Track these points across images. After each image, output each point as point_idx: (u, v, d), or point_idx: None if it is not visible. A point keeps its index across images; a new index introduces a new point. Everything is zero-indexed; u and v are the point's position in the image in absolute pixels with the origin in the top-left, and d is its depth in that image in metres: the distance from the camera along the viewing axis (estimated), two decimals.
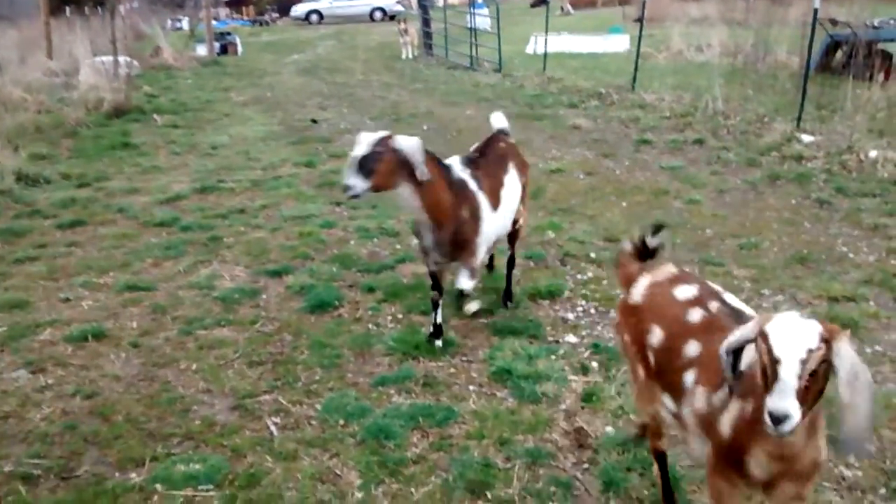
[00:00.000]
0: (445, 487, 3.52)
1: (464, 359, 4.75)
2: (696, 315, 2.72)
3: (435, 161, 4.45)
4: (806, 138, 9.88)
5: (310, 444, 3.85)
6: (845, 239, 6.70)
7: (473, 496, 3.47)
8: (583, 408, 4.17)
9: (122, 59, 14.70)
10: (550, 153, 9.97)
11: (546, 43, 17.76)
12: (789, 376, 2.04)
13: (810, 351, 2.04)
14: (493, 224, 4.72)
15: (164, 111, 13.20)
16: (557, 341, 4.93)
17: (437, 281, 4.79)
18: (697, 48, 18.58)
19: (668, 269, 3.02)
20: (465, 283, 4.67)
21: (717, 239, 6.73)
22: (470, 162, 4.79)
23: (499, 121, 5.51)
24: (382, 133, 4.27)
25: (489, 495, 3.46)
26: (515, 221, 5.21)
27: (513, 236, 5.34)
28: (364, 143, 4.20)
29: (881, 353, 4.72)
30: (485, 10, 24.11)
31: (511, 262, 5.54)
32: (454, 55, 20.62)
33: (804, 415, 2.07)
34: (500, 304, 5.43)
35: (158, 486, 3.53)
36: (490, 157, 4.97)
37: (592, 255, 6.35)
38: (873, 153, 8.90)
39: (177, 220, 7.39)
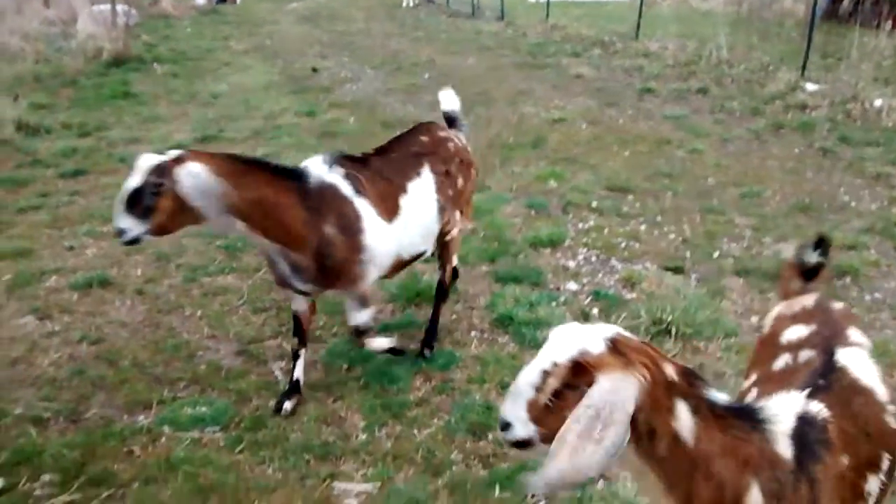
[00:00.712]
0: (447, 429, 3.59)
1: (466, 305, 4.79)
2: (780, 363, 2.21)
3: (273, 172, 3.40)
4: (810, 87, 9.82)
5: (314, 388, 3.91)
6: (848, 188, 6.70)
7: (475, 437, 3.54)
8: None
9: (120, 7, 14.48)
10: (553, 102, 9.90)
11: None
12: (522, 382, 1.77)
13: (554, 365, 1.72)
14: (387, 237, 3.59)
15: (163, 60, 13.07)
16: (558, 288, 4.97)
17: (299, 325, 3.78)
18: None
19: (804, 301, 2.42)
20: (358, 316, 3.65)
21: (720, 188, 6.73)
22: (346, 160, 3.62)
23: (448, 101, 4.36)
24: (170, 155, 3.22)
25: (490, 436, 3.53)
26: (446, 233, 4.09)
27: (443, 251, 4.19)
28: (140, 170, 3.16)
29: (881, 301, 4.77)
30: None
31: (440, 291, 4.34)
32: (456, 3, 20.36)
33: (545, 439, 1.75)
34: (503, 252, 5.44)
35: (166, 428, 3.60)
36: (393, 155, 3.83)
37: (594, 203, 6.35)
38: (878, 102, 8.85)
39: None
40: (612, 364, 1.67)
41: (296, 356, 3.80)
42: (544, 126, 8.79)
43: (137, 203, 3.19)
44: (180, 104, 10.24)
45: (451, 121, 4.34)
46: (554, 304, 4.70)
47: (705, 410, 1.74)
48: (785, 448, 1.78)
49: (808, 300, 2.42)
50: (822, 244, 2.54)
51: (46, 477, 3.30)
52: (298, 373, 3.80)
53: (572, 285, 5.01)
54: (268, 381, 3.99)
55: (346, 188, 3.48)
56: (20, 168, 7.47)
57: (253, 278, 5.15)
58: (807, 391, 1.93)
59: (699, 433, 1.73)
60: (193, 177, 3.14)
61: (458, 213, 4.12)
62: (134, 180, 3.17)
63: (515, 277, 5.05)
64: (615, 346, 1.71)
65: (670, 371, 1.73)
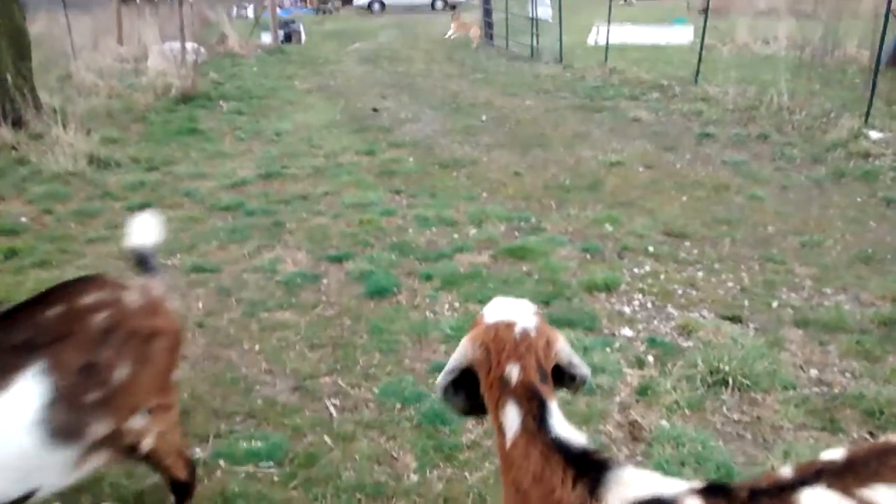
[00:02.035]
0: (498, 474, 3.58)
1: None
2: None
3: None
4: (874, 135, 9.65)
5: (367, 426, 3.95)
6: None
7: None
8: (637, 401, 4.18)
9: (189, 45, 14.97)
10: (610, 146, 9.92)
11: (608, 34, 17.57)
12: None
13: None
14: None
15: (229, 98, 13.45)
16: (613, 334, 4.95)
17: None
18: (764, 41, 18.26)
19: None
20: None
21: (779, 236, 6.65)
22: None
23: (141, 231, 3.01)
24: None
25: None
26: (132, 448, 2.69)
27: (150, 463, 2.87)
28: None
29: None
30: (547, 0, 23.94)
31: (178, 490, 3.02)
32: (515, 45, 20.58)
33: None
34: (557, 296, 5.44)
35: (221, 462, 3.67)
36: None
37: (651, 248, 6.33)
38: None
39: (242, 204, 7.57)
40: (477, 331, 1.99)
41: None
42: (601, 169, 8.80)
43: None
44: (245, 141, 10.52)
45: (141, 261, 2.99)
46: (608, 349, 4.68)
47: (532, 429, 1.81)
48: None
49: None
50: None
51: None
52: None
53: (627, 331, 4.98)
54: (322, 418, 4.04)
55: None
56: (91, 200, 7.74)
57: (310, 314, 5.24)
58: (705, 485, 1.74)
59: (517, 442, 1.82)
60: None
61: (137, 421, 2.65)
62: None
63: (569, 321, 5.04)
64: (493, 327, 1.96)
65: (510, 372, 1.88)
